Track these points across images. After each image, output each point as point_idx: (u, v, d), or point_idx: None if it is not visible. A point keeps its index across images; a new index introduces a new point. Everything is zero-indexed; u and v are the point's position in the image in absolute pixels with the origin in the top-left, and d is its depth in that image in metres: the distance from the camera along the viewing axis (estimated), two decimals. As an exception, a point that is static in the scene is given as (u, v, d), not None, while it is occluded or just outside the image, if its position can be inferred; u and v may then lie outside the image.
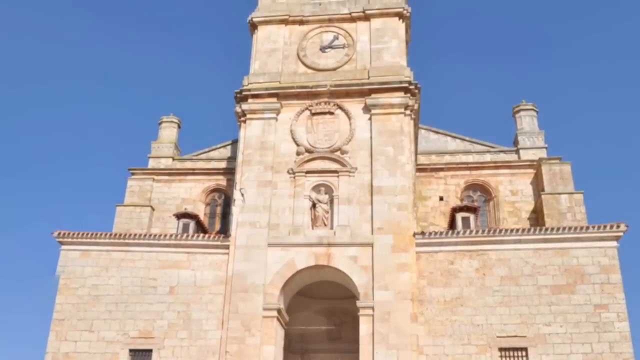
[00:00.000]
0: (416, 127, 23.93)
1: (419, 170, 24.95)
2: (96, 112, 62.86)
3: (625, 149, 54.86)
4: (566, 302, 18.58)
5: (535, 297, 18.76)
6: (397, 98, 22.00)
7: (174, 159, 26.57)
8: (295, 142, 22.07)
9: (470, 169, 25.45)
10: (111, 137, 61.53)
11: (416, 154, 24.61)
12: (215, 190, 26.14)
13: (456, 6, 65.23)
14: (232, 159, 25.18)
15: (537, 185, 24.67)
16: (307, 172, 21.52)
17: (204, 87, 67.00)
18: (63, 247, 21.52)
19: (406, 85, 22.09)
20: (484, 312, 18.82)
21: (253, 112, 22.67)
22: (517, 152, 25.65)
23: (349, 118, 22.14)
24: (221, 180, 25.88)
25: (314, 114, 22.40)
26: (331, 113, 22.37)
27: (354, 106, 22.26)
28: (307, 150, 21.87)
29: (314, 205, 21.19)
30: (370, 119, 22.00)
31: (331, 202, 21.14)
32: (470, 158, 25.79)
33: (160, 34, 66.17)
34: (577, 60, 61.29)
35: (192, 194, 25.75)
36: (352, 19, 23.97)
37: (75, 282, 20.75)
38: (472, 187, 25.47)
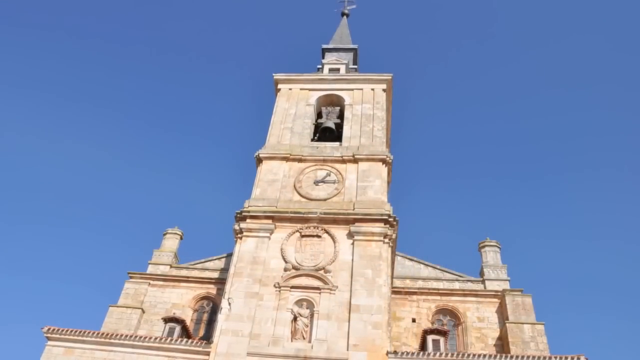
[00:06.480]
0: (393, 254, 26.30)
1: (394, 292, 27.03)
2: (103, 221, 67.38)
3: (582, 284, 59.35)
4: None
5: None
6: (377, 228, 24.56)
7: (171, 267, 28.30)
8: (284, 259, 24.21)
9: (440, 294, 27.58)
10: (114, 244, 65.56)
11: (392, 277, 26.74)
12: (205, 297, 27.71)
13: (433, 153, 72.66)
14: (225, 270, 27.03)
15: (502, 313, 26.69)
16: (292, 287, 23.28)
17: (205, 204, 72.54)
18: (49, 342, 22.22)
19: (386, 217, 24.84)
20: None
21: (249, 230, 25.12)
22: (483, 282, 28.04)
23: (334, 242, 24.49)
24: (212, 289, 27.54)
25: (303, 236, 24.85)
26: (318, 236, 24.78)
27: (340, 232, 24.74)
28: (294, 267, 23.89)
29: (295, 319, 22.54)
30: (352, 244, 24.33)
31: (311, 316, 22.53)
32: (440, 285, 28.06)
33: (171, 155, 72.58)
34: (539, 201, 67.42)
35: (182, 299, 27.22)
36: (343, 161, 27.63)
37: (53, 380, 21.21)
38: (442, 311, 27.40)
